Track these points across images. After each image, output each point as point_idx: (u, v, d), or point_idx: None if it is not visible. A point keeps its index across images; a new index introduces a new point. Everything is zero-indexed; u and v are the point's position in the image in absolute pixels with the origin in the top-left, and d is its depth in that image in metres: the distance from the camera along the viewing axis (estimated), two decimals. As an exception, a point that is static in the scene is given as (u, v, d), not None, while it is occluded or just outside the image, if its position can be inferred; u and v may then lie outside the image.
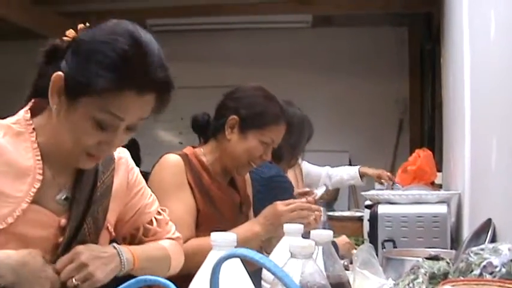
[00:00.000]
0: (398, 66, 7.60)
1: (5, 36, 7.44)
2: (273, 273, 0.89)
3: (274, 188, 2.89)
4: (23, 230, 1.57)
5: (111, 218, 1.80)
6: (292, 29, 7.55)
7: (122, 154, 1.86)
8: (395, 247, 2.90)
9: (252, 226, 2.50)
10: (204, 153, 2.61)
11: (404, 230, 2.97)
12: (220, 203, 2.57)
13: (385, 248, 2.92)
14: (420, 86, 7.57)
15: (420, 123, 7.55)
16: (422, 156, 3.94)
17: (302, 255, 1.16)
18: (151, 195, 1.97)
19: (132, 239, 1.90)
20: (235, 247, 2.28)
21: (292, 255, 1.18)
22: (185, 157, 2.53)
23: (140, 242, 1.89)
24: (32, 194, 1.58)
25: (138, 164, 1.96)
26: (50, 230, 1.63)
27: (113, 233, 1.83)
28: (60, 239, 1.64)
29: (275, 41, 7.66)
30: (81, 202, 1.68)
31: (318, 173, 4.43)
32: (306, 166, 4.26)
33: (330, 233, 1.47)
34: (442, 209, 2.99)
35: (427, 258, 2.05)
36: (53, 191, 1.66)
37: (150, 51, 1.58)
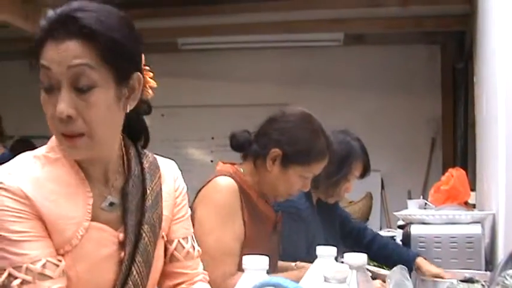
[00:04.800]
0: (431, 84, 7.55)
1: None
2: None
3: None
4: (88, 250, 1.57)
5: (165, 225, 1.76)
6: (324, 47, 7.54)
7: (166, 163, 1.85)
8: (428, 268, 2.87)
9: None
10: (245, 173, 2.57)
11: (438, 250, 2.94)
12: (265, 220, 2.56)
13: (418, 269, 2.89)
14: (453, 104, 7.50)
15: (453, 142, 7.48)
16: (455, 175, 3.88)
17: (336, 279, 1.13)
18: (190, 218, 1.90)
19: (164, 253, 1.81)
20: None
21: (326, 280, 1.14)
22: (235, 179, 2.49)
23: (171, 258, 1.82)
24: (90, 212, 1.57)
25: None
26: (112, 247, 1.61)
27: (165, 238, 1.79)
28: (122, 254, 1.62)
29: (307, 59, 7.66)
30: (133, 211, 1.66)
31: None
32: None
33: (364, 256, 1.44)
34: (476, 229, 2.95)
35: (461, 281, 2.03)
36: (99, 201, 1.63)
37: None
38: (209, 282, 1.91)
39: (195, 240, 1.90)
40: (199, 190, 2.49)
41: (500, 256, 2.74)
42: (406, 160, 7.41)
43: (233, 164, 2.62)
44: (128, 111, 1.61)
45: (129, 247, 1.63)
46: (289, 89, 7.46)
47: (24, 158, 1.62)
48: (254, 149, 2.56)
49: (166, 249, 1.81)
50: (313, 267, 1.63)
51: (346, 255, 1.41)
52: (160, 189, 1.76)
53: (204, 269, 1.90)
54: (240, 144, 2.60)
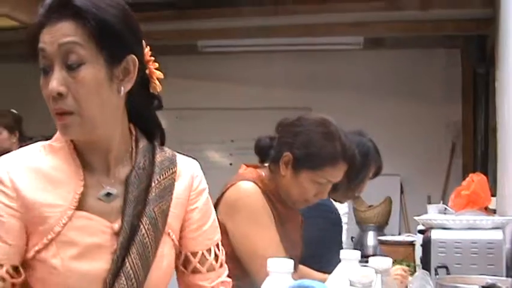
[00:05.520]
0: (451, 89, 7.52)
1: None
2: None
3: (317, 217, 2.81)
4: (73, 237, 1.57)
5: (173, 223, 1.72)
6: (344, 51, 7.52)
7: (186, 161, 1.81)
8: (448, 274, 2.85)
9: None
10: (266, 178, 2.56)
11: (458, 256, 2.91)
12: (288, 225, 2.54)
13: (438, 274, 2.87)
14: (473, 109, 7.47)
15: (473, 147, 7.44)
16: (476, 180, 3.85)
17: (361, 283, 1.12)
18: (216, 222, 1.85)
19: (185, 264, 1.78)
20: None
21: (351, 284, 1.14)
22: (257, 184, 2.48)
23: (194, 270, 1.78)
24: (76, 200, 1.58)
25: None
26: (103, 237, 1.60)
27: (177, 243, 1.74)
28: (115, 245, 1.60)
29: (326, 63, 7.64)
30: (132, 202, 1.63)
31: None
32: None
33: (389, 260, 1.43)
34: (497, 235, 2.92)
35: (483, 287, 2.01)
36: (96, 191, 1.64)
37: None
38: None
39: (221, 249, 1.85)
40: (222, 195, 2.47)
41: (522, 262, 2.72)
42: (426, 165, 7.37)
43: (256, 167, 2.60)
44: (122, 94, 1.61)
45: (122, 237, 1.60)
46: (309, 93, 7.44)
47: (31, 147, 1.66)
48: (271, 155, 2.55)
49: (189, 262, 1.78)
50: (337, 271, 1.62)
51: (371, 259, 1.40)
52: (171, 184, 1.72)
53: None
54: (259, 149, 2.60)
